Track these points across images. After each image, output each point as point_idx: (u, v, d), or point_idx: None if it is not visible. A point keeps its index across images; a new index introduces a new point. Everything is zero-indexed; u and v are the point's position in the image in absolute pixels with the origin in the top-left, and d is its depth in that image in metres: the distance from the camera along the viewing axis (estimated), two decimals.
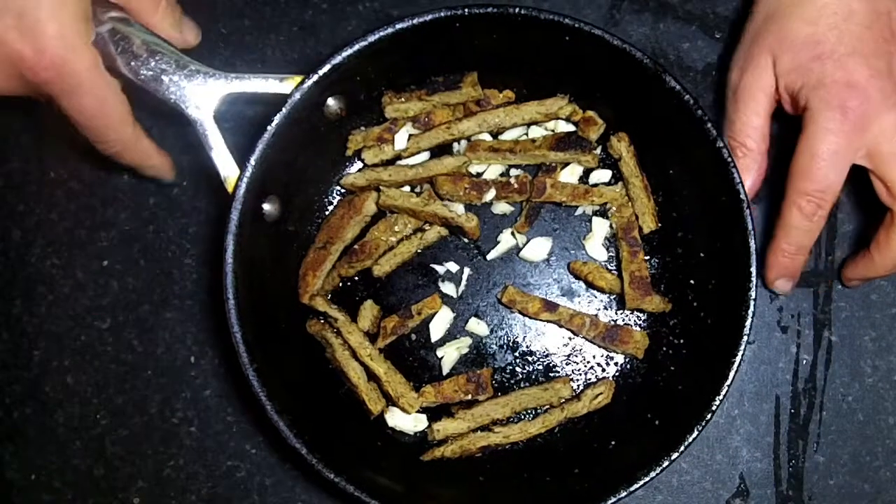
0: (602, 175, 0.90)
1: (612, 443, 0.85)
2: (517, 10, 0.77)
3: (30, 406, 0.92)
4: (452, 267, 0.91)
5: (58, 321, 0.93)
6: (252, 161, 0.77)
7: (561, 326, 0.89)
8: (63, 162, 0.94)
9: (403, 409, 0.86)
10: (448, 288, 0.90)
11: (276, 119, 0.77)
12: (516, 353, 0.90)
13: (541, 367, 0.90)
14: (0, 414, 0.92)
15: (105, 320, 0.93)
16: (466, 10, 0.77)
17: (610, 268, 0.90)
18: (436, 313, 0.89)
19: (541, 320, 0.89)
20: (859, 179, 0.80)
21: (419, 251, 0.90)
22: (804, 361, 0.92)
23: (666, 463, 0.76)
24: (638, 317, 0.90)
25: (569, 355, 0.90)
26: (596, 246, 0.90)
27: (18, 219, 0.94)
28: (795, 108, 0.81)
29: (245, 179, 0.76)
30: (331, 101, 0.83)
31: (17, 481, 0.92)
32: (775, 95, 0.81)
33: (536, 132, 0.89)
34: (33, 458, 0.92)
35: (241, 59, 0.95)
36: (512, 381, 0.90)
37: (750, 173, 0.82)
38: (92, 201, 0.94)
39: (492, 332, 0.90)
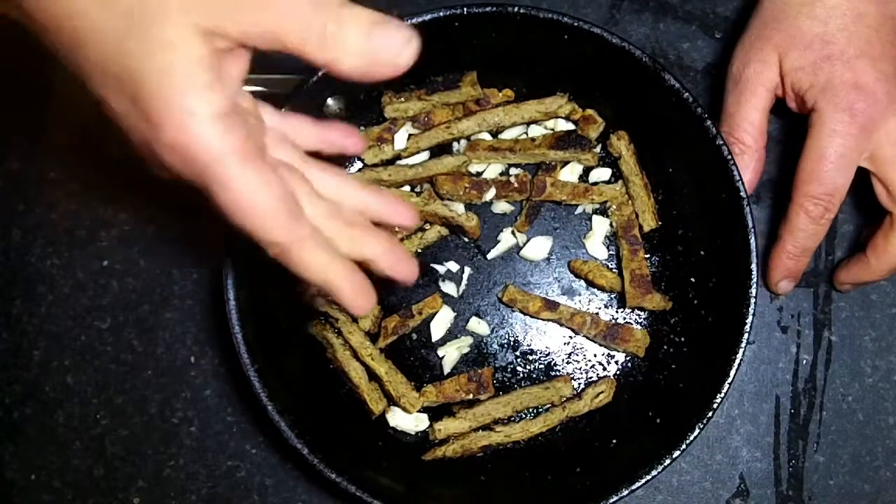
0: (602, 173, 0.90)
1: (614, 441, 0.85)
2: (516, 9, 0.77)
3: (30, 406, 0.92)
4: (453, 266, 0.91)
5: (58, 321, 0.93)
6: None
7: (562, 325, 0.89)
8: (63, 162, 0.94)
9: (405, 409, 0.85)
10: (449, 287, 0.90)
11: None
12: (517, 352, 0.90)
13: (542, 366, 0.90)
14: (0, 414, 0.92)
15: (105, 320, 0.93)
16: (465, 9, 0.77)
17: (610, 266, 0.90)
18: (436, 313, 0.89)
19: (541, 319, 0.89)
20: (860, 180, 0.80)
21: (419, 251, 0.90)
22: (804, 361, 0.92)
23: (668, 461, 0.76)
24: (638, 315, 0.90)
25: (570, 354, 0.90)
26: (596, 244, 0.90)
27: (18, 219, 0.94)
28: (801, 107, 0.81)
29: None
30: (330, 101, 0.83)
31: (17, 481, 0.91)
32: (777, 91, 0.81)
33: (536, 131, 0.89)
34: (33, 458, 0.91)
35: None
36: (513, 380, 0.90)
37: (747, 170, 0.81)
38: (92, 201, 0.94)
39: (493, 331, 0.90)
